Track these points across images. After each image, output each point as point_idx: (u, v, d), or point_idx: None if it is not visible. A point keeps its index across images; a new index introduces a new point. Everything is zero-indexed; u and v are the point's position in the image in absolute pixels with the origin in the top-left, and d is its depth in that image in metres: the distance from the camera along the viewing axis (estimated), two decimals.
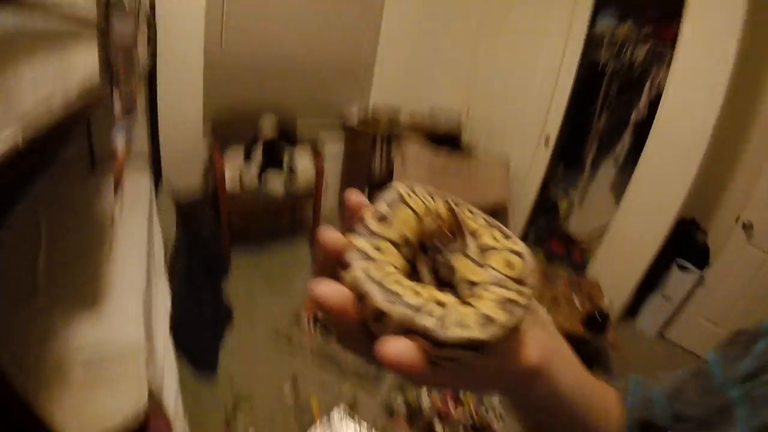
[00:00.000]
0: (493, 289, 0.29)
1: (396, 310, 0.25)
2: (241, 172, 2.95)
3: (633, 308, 3.23)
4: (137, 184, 2.37)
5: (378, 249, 0.29)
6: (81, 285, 1.56)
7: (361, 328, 0.27)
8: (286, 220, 3.74)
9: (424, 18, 3.84)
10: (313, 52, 3.43)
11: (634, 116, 3.07)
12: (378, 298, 0.26)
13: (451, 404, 2.21)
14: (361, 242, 0.29)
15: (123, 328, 1.39)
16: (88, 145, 2.53)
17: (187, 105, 3.02)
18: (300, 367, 2.31)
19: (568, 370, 0.37)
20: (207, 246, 2.55)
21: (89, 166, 2.57)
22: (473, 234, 0.33)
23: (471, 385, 0.33)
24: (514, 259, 0.31)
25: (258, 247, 3.34)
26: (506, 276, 0.30)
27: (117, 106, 1.37)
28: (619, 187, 3.25)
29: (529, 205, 3.71)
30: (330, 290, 0.26)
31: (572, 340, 0.46)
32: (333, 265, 0.29)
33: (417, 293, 0.27)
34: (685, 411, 0.39)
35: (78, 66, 1.03)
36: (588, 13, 3.09)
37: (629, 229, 3.09)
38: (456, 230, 0.32)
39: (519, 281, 0.29)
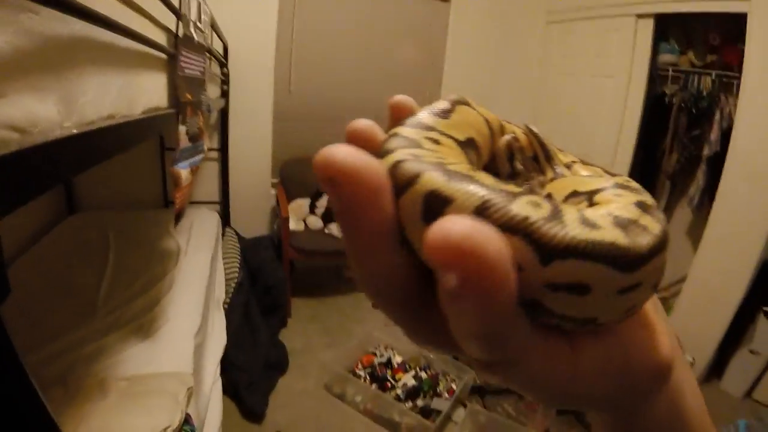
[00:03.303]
0: (620, 192, 0.19)
1: (468, 192, 0.15)
2: (305, 219, 2.98)
3: (718, 367, 2.87)
4: (205, 220, 2.47)
5: (435, 142, 0.19)
6: (138, 313, 1.61)
7: (392, 238, 0.16)
8: (349, 272, 3.70)
9: (487, 53, 3.86)
10: (380, 94, 3.49)
11: (706, 151, 2.84)
12: (435, 176, 0.16)
13: None
14: (408, 131, 0.19)
15: (170, 359, 1.41)
16: (162, 179, 2.67)
17: (257, 148, 3.18)
18: (353, 425, 2.18)
19: (690, 382, 0.27)
20: (268, 288, 2.55)
21: (163, 201, 2.72)
22: (567, 167, 0.24)
23: (569, 383, 0.19)
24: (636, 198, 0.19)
25: (319, 296, 3.32)
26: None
27: (182, 133, 1.41)
28: (697, 231, 2.97)
29: None
30: (348, 152, 0.15)
31: None
32: None
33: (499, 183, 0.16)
34: None
35: (145, 89, 1.07)
36: (649, 44, 2.98)
37: (709, 278, 2.80)
38: (542, 156, 0.24)
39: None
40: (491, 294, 0.13)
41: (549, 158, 0.23)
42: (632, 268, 0.15)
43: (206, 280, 1.90)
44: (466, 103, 0.23)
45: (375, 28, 3.47)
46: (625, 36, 3.07)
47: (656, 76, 3.06)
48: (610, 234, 0.15)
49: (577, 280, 0.15)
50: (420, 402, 2.26)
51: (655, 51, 3.01)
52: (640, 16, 2.95)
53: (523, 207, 0.15)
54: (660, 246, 0.16)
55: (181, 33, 1.32)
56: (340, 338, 2.81)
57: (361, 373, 2.43)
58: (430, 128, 0.20)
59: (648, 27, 2.95)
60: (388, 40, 3.54)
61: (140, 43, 0.97)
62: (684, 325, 2.88)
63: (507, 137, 0.24)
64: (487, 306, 0.14)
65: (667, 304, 3.18)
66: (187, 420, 1.29)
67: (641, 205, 0.18)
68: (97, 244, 2.03)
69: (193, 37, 1.50)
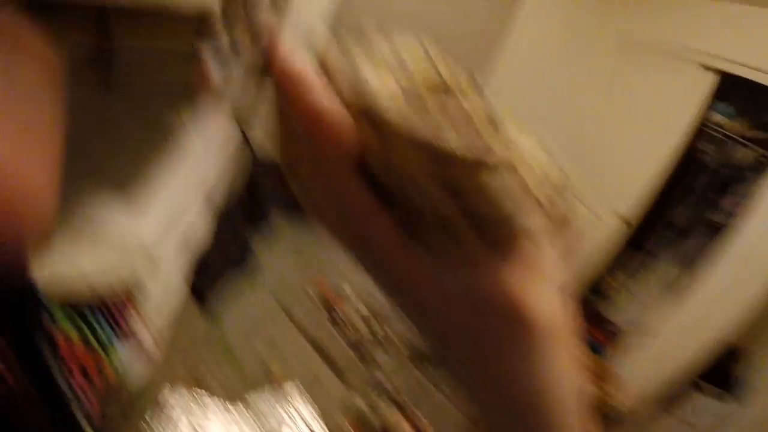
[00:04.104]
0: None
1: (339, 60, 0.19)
2: None
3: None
4: (221, 126, 2.47)
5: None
6: (122, 171, 1.67)
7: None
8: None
9: (547, 60, 3.80)
10: None
11: (715, 218, 2.86)
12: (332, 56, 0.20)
13: None
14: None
15: (138, 225, 1.46)
16: None
17: None
18: (287, 338, 2.32)
19: (570, 360, 0.25)
20: (257, 195, 2.60)
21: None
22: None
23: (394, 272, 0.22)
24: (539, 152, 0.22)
25: (300, 217, 3.37)
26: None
27: (224, 38, 1.44)
28: (675, 288, 3.02)
29: (581, 280, 3.49)
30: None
31: None
32: None
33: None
34: None
35: None
36: (704, 98, 2.88)
37: (669, 335, 2.85)
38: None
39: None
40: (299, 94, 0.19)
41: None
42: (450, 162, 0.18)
43: (198, 164, 1.96)
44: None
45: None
46: (683, 81, 2.99)
47: (699, 131, 2.98)
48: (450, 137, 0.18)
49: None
50: (359, 344, 2.42)
51: (708, 106, 2.92)
52: (705, 67, 2.85)
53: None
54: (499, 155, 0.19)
55: None
56: (305, 258, 2.92)
57: (317, 298, 2.62)
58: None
59: (708, 80, 2.85)
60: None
61: None
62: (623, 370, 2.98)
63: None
64: (321, 150, 0.19)
65: (618, 343, 3.26)
66: (137, 284, 1.39)
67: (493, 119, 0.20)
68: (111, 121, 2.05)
69: None
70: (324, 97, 0.19)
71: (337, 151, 0.19)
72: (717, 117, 2.96)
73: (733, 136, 2.85)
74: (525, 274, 0.22)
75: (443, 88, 0.19)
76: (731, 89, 2.85)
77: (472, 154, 0.18)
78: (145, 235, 1.51)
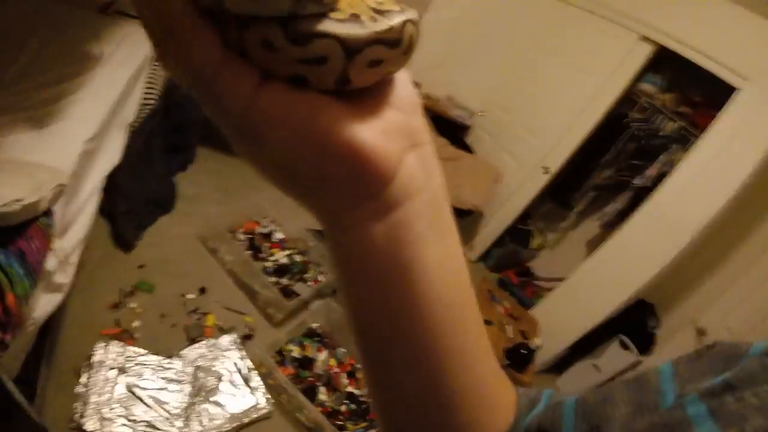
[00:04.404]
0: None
1: None
2: None
3: (559, 366, 3.19)
4: (141, 40, 2.30)
5: None
6: (36, 104, 1.55)
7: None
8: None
9: (482, 8, 3.74)
10: None
11: (638, 181, 3.01)
12: None
13: (344, 375, 2.15)
14: None
15: (53, 155, 1.38)
16: None
17: None
18: (214, 282, 2.24)
19: (442, 233, 0.27)
20: (177, 126, 2.45)
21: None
22: None
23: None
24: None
25: (228, 154, 3.21)
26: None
27: None
28: (594, 244, 3.21)
29: (502, 225, 3.66)
30: None
31: None
32: None
33: None
34: (608, 429, 0.29)
35: None
36: (637, 68, 3.00)
37: (585, 288, 3.07)
38: None
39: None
40: None
41: None
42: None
43: (117, 95, 1.80)
44: None
45: None
46: (621, 48, 3.07)
47: (628, 98, 3.13)
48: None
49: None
50: (285, 281, 2.36)
51: (640, 75, 3.05)
52: (644, 38, 2.93)
53: None
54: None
55: None
56: (232, 199, 2.81)
57: (241, 237, 2.49)
58: None
59: (645, 51, 2.95)
60: None
61: None
62: (547, 316, 3.20)
63: None
64: None
65: (542, 293, 3.47)
66: (48, 214, 1.29)
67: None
68: (22, 28, 1.87)
69: None
70: None
71: None
72: (647, 87, 3.09)
73: (663, 109, 2.99)
74: (361, 113, 0.22)
75: None
76: (666, 63, 2.98)
77: None
78: (60, 165, 1.39)
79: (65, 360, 1.61)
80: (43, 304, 1.24)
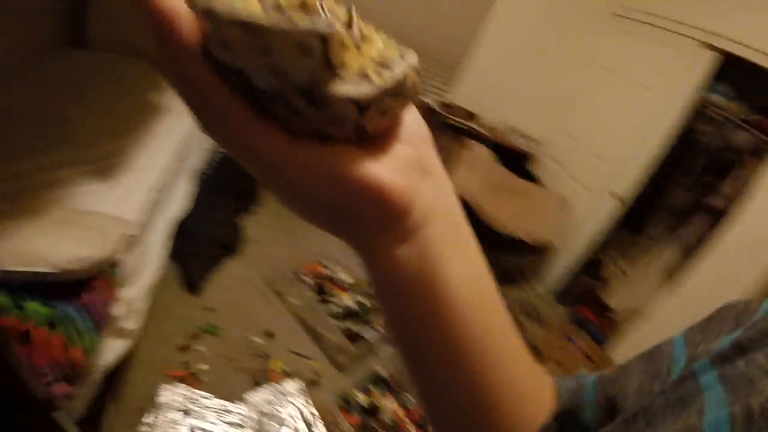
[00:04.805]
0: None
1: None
2: None
3: None
4: None
5: None
6: (103, 155, 1.63)
7: (195, 51, 0.22)
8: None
9: (537, 31, 3.70)
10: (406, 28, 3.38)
11: (713, 202, 2.79)
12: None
13: (411, 425, 2.04)
14: None
15: (119, 205, 1.45)
16: None
17: None
18: (280, 325, 2.24)
19: (461, 248, 0.30)
20: (243, 171, 2.53)
21: None
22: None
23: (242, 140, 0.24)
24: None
25: None
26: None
27: None
28: (674, 273, 2.97)
29: (574, 256, 3.46)
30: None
31: None
32: None
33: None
34: (622, 400, 0.31)
35: None
36: (701, 77, 2.83)
37: (668, 322, 2.80)
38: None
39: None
40: (171, 36, 0.22)
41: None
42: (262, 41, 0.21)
43: (179, 143, 1.88)
44: None
45: None
46: (683, 58, 2.92)
47: (696, 110, 2.94)
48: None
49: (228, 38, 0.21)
50: (351, 326, 2.32)
51: (706, 86, 2.88)
52: (706, 45, 2.78)
53: None
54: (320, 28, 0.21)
55: None
56: (297, 241, 2.83)
57: (307, 279, 2.48)
58: None
59: (708, 59, 2.79)
60: None
61: None
62: (623, 354, 2.92)
63: None
64: (169, 45, 0.22)
65: (617, 327, 3.22)
66: (116, 264, 1.33)
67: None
68: (89, 82, 2.00)
69: None
70: None
71: (181, 40, 0.22)
72: (716, 98, 2.90)
73: (732, 118, 2.80)
74: (378, 155, 0.25)
75: (301, 4, 0.21)
76: (731, 71, 2.80)
77: (279, 25, 0.20)
78: (126, 214, 1.44)
79: (131, 400, 1.64)
80: (110, 350, 1.27)
